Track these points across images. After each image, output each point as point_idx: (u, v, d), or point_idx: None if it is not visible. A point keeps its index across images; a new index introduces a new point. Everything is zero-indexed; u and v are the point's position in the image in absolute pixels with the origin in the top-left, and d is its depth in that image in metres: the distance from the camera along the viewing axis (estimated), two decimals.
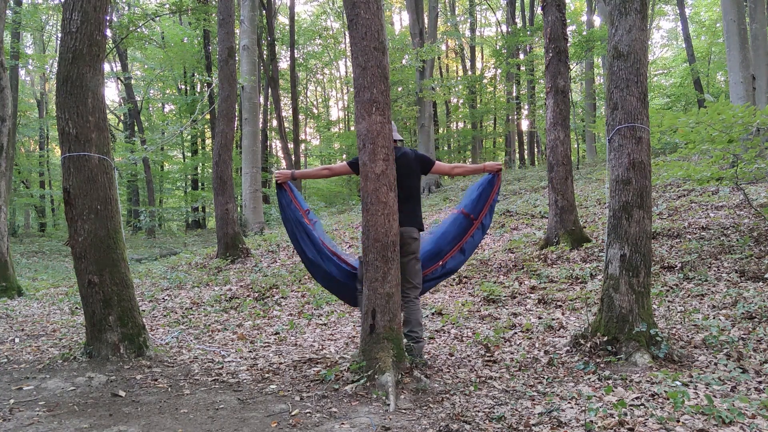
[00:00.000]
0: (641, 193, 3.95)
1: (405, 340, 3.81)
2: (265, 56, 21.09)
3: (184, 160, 27.69)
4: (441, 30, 24.33)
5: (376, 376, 3.47)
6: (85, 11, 4.17)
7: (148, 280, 8.64)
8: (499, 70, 27.70)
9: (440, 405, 3.24)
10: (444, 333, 5.05)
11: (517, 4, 25.42)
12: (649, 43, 23.74)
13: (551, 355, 4.05)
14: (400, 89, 22.24)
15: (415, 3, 18.46)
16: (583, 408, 3.01)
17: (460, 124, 32.64)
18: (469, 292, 6.45)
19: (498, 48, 26.56)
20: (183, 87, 27.47)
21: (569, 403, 3.14)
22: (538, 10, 19.98)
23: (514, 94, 26.28)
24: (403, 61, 21.39)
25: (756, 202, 7.41)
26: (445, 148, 30.36)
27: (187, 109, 23.86)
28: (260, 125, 18.35)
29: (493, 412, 3.07)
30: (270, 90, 22.69)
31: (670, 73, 26.78)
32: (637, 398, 3.11)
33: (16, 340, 5.36)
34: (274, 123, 25.42)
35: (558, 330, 4.79)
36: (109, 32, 18.34)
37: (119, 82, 26.09)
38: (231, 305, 6.69)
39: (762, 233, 6.37)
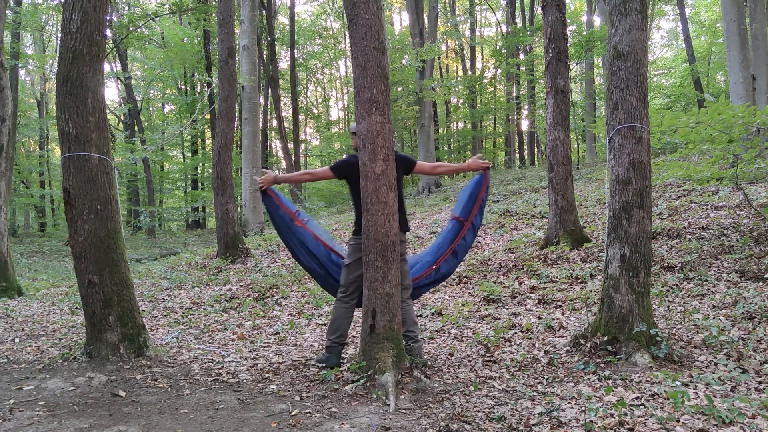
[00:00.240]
0: (641, 193, 3.95)
1: (404, 341, 3.81)
2: (265, 56, 21.09)
3: (184, 160, 27.69)
4: (441, 30, 24.33)
5: (376, 376, 3.47)
6: (85, 11, 4.17)
7: (148, 280, 8.64)
8: (499, 70, 27.71)
9: (440, 405, 3.24)
10: (444, 333, 5.05)
11: (517, 4, 25.43)
12: (649, 43, 23.75)
13: (551, 355, 4.05)
14: (400, 89, 22.24)
15: (415, 3, 18.46)
16: (583, 408, 3.01)
17: (460, 124, 32.65)
18: (469, 292, 6.45)
19: (498, 48, 26.58)
20: (183, 87, 27.48)
21: (569, 403, 3.14)
22: (538, 10, 19.98)
23: (514, 94, 26.29)
24: (403, 61, 21.39)
25: (756, 202, 7.41)
26: (445, 148, 30.36)
27: (187, 109, 23.87)
28: (260, 125, 18.35)
29: (493, 412, 3.07)
30: (270, 90, 22.70)
31: (670, 73, 26.78)
32: (637, 398, 3.11)
33: (16, 340, 5.36)
34: (274, 123, 25.42)
35: (558, 330, 4.79)
36: (109, 32, 18.34)
37: (119, 82, 26.09)
38: (231, 305, 6.69)
39: (762, 233, 6.37)
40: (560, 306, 5.56)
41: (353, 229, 4.13)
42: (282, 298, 6.86)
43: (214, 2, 19.04)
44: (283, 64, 27.30)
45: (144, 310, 6.51)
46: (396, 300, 3.70)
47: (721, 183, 7.94)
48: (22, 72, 24.79)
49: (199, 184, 27.76)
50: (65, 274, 12.10)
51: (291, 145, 22.60)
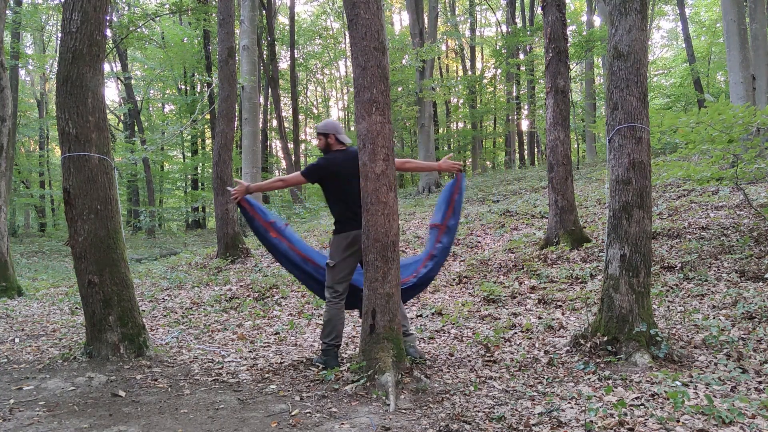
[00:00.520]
0: (641, 193, 3.95)
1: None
2: (265, 56, 21.10)
3: (184, 160, 27.70)
4: (441, 30, 24.33)
5: (376, 376, 3.47)
6: (85, 11, 4.17)
7: (148, 280, 8.64)
8: (499, 70, 27.70)
9: (440, 405, 3.23)
10: (444, 333, 5.05)
11: (517, 4, 25.43)
12: (649, 43, 23.75)
13: (551, 355, 4.05)
14: (400, 89, 22.24)
15: (415, 3, 18.46)
16: (583, 408, 3.01)
17: (460, 124, 32.65)
18: (469, 292, 6.45)
19: (498, 48, 26.58)
20: (183, 87, 27.48)
21: (569, 403, 3.14)
22: (538, 10, 19.98)
23: (514, 94, 26.29)
24: (403, 61, 21.39)
25: (756, 202, 7.41)
26: (445, 148, 30.36)
27: (187, 109, 23.87)
28: (260, 125, 18.35)
29: (493, 412, 3.07)
30: (270, 90, 22.71)
31: (670, 73, 26.79)
32: (637, 398, 3.11)
33: (16, 340, 5.36)
34: (274, 123, 25.43)
35: (558, 330, 4.79)
36: (109, 32, 18.34)
37: (119, 82, 26.09)
38: (231, 305, 6.69)
39: (762, 233, 6.37)
40: (560, 306, 5.56)
41: (333, 229, 4.15)
42: (282, 298, 6.86)
43: (214, 2, 19.05)
44: (283, 64, 27.31)
45: (144, 310, 6.51)
46: (396, 300, 3.70)
47: (721, 183, 7.94)
48: (22, 72, 24.80)
49: (199, 184, 27.76)
50: (65, 274, 12.10)
51: (291, 145, 22.62)
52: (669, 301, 5.17)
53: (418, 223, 10.92)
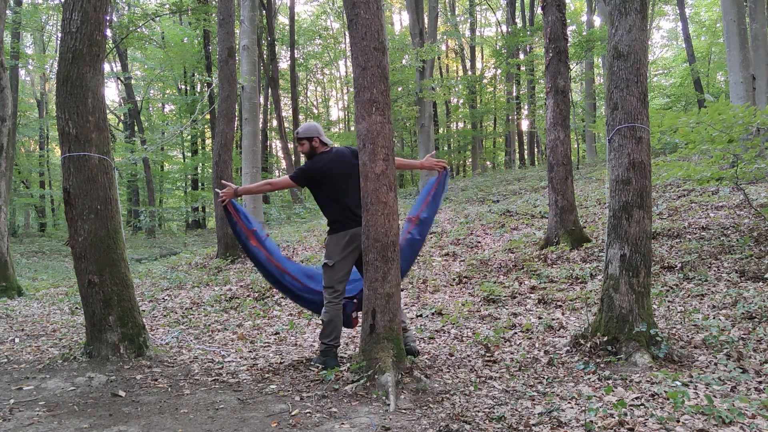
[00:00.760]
0: (641, 193, 3.95)
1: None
2: (265, 56, 21.10)
3: (184, 160, 27.70)
4: (441, 30, 24.33)
5: (376, 376, 3.47)
6: (85, 11, 4.17)
7: (148, 280, 8.64)
8: (499, 70, 27.71)
9: (440, 405, 3.23)
10: (444, 333, 5.05)
11: (517, 4, 25.44)
12: (649, 43, 23.75)
13: (551, 355, 4.05)
14: (400, 89, 22.24)
15: (415, 3, 18.45)
16: (583, 408, 3.01)
17: (460, 124, 32.65)
18: (469, 292, 6.45)
19: (498, 48, 26.58)
20: (183, 87, 27.49)
21: (569, 403, 3.14)
22: (538, 10, 19.98)
23: (514, 94, 26.30)
24: (403, 61, 21.39)
25: (756, 202, 7.41)
26: (445, 148, 30.37)
27: (187, 109, 23.88)
28: (260, 125, 18.34)
29: (493, 412, 3.07)
30: (270, 90, 22.71)
31: (670, 73, 26.79)
32: (637, 398, 3.11)
33: (16, 340, 5.36)
34: (274, 123, 25.43)
35: (558, 330, 4.79)
36: (109, 32, 18.34)
37: (119, 82, 26.10)
38: (231, 305, 6.69)
39: (762, 233, 6.37)
40: (560, 306, 5.55)
41: (329, 229, 4.15)
42: (282, 297, 6.86)
43: (214, 2, 19.06)
44: (283, 64, 27.32)
45: (144, 310, 6.51)
46: (396, 300, 3.70)
47: (721, 183, 7.93)
48: (22, 72, 24.80)
49: (199, 184, 27.76)
50: (65, 274, 12.10)
51: (291, 145, 22.61)
52: (669, 301, 5.17)
53: None
